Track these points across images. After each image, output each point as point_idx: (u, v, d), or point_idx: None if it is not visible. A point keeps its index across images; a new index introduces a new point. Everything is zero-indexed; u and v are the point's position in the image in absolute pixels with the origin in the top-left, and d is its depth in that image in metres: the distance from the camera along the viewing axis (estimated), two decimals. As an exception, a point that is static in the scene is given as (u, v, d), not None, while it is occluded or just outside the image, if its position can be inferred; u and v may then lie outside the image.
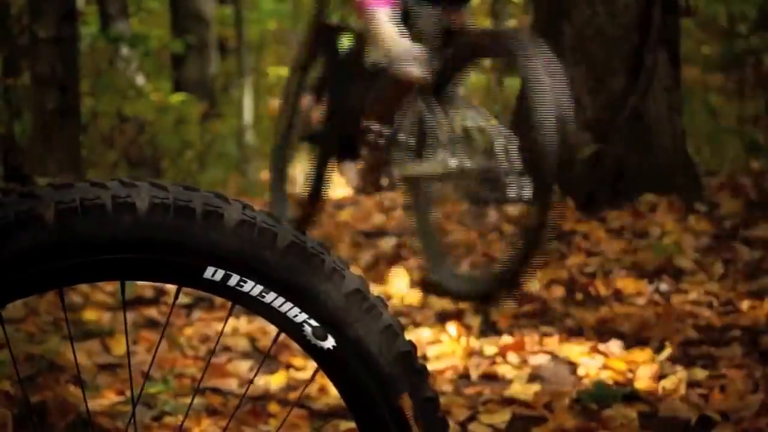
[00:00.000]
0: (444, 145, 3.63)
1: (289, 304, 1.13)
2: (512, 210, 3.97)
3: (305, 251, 1.13)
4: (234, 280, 1.12)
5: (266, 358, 3.10)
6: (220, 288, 1.12)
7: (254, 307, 1.14)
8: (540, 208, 3.36)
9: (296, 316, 1.14)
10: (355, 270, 3.85)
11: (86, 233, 1.07)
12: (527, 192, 3.41)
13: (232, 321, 3.58)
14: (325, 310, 1.14)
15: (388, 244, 4.57)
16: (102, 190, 1.08)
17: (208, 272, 1.11)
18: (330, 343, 1.14)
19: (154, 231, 1.08)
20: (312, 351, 1.15)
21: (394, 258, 4.40)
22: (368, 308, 1.15)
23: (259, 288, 1.12)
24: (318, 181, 4.52)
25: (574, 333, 3.31)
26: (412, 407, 1.16)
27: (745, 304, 3.44)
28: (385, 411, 1.16)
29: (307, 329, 1.14)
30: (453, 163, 3.57)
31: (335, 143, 4.26)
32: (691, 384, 2.77)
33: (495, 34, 3.86)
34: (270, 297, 1.13)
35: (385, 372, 1.15)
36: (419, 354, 3.17)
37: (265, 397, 2.84)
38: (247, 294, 1.13)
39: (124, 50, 8.57)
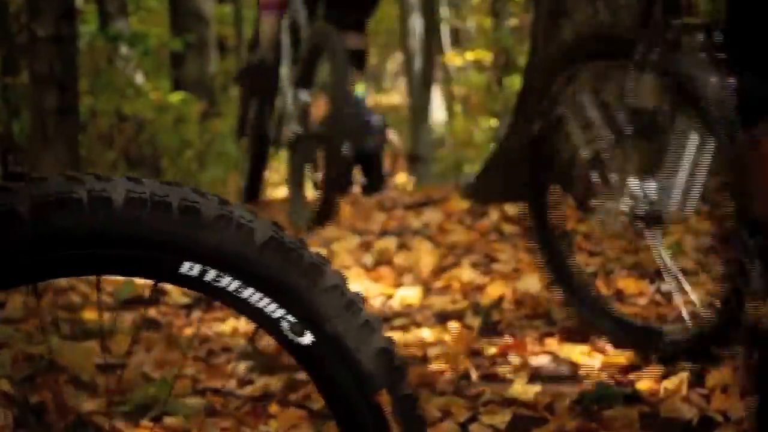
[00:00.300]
0: (293, 117, 5.11)
1: (266, 300, 1.12)
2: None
3: (283, 246, 1.12)
4: (211, 275, 1.11)
5: (265, 359, 3.09)
6: (197, 283, 1.11)
7: (231, 302, 1.13)
8: (332, 157, 4.78)
9: (274, 311, 1.13)
10: (356, 271, 3.82)
11: (61, 228, 1.05)
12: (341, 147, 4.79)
13: (231, 321, 3.57)
14: (303, 305, 1.13)
15: (388, 243, 4.55)
16: (78, 185, 1.07)
17: (185, 267, 1.10)
18: (308, 339, 1.13)
19: (131, 226, 1.07)
20: (290, 347, 1.14)
21: (395, 258, 4.39)
22: (347, 304, 1.14)
23: (236, 283, 1.11)
24: (255, 174, 5.74)
25: (575, 333, 3.29)
26: (391, 404, 1.15)
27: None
28: (363, 407, 1.16)
29: (285, 325, 1.13)
30: (297, 129, 5.10)
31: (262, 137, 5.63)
32: (693, 384, 2.76)
33: (322, 32, 4.97)
34: (247, 293, 1.12)
35: (364, 368, 1.14)
36: (420, 354, 3.15)
37: (265, 397, 2.83)
38: (224, 289, 1.12)
39: (123, 49, 8.57)
